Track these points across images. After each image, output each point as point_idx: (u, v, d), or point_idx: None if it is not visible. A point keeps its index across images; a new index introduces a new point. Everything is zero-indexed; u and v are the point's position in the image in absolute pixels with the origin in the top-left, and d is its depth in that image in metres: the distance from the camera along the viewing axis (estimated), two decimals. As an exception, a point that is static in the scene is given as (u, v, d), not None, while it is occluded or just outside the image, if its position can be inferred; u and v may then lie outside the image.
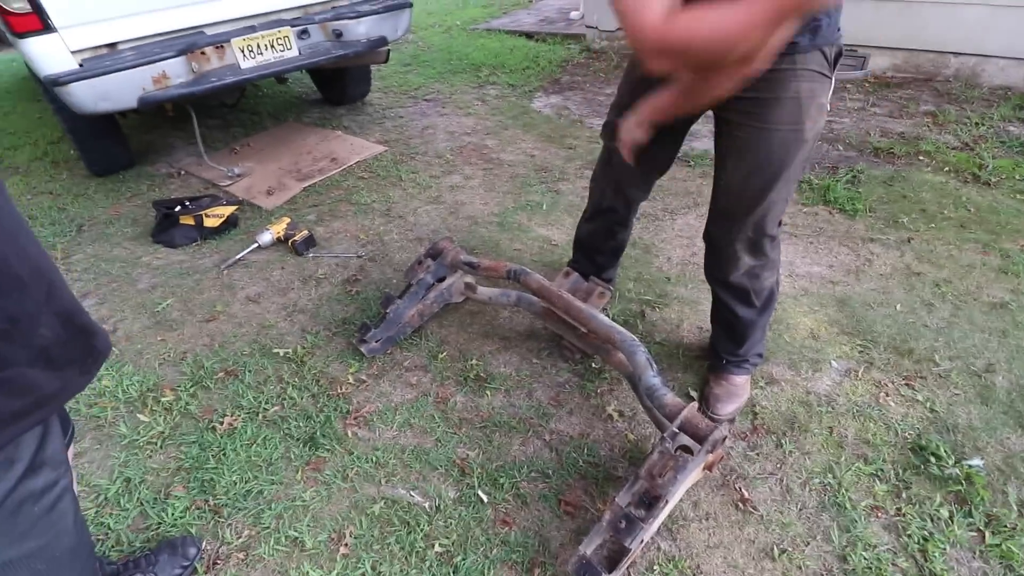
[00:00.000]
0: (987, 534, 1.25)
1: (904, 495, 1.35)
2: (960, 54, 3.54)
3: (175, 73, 2.37)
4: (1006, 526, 1.26)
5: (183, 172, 3.18)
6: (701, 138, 3.15)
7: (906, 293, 1.97)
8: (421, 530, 1.32)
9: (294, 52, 2.67)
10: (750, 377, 1.62)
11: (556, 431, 1.56)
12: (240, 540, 1.33)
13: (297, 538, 1.33)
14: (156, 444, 1.59)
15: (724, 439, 1.20)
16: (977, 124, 3.06)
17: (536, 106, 3.74)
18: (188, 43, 2.38)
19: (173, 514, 1.39)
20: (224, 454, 1.55)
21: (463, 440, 1.54)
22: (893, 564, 1.21)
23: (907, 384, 1.63)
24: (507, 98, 3.87)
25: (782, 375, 1.68)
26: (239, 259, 2.37)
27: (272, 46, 2.60)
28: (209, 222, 2.53)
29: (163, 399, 1.73)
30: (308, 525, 1.36)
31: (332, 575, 1.25)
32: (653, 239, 2.33)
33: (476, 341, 1.88)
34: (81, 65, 2.21)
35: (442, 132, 3.43)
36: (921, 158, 2.82)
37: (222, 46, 2.47)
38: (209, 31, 2.48)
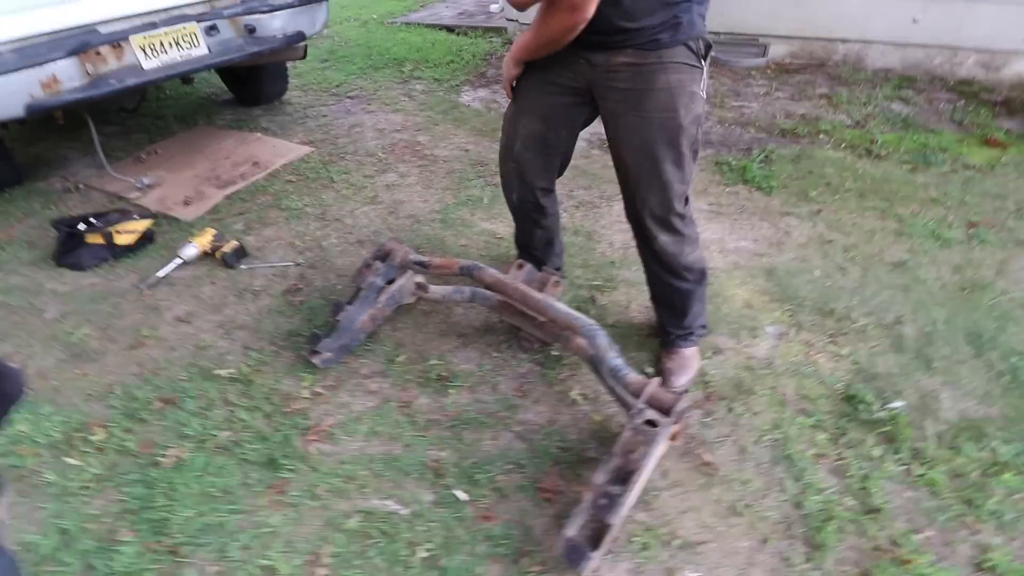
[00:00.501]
0: (913, 466, 1.42)
1: (842, 441, 1.50)
2: (847, 40, 3.91)
3: (67, 76, 2.12)
4: (928, 457, 1.44)
5: (82, 186, 2.87)
6: (627, 126, 3.28)
7: (822, 260, 2.17)
8: (402, 538, 1.30)
9: (203, 50, 2.48)
10: (698, 348, 1.72)
11: (524, 421, 1.58)
12: (206, 577, 1.25)
13: (270, 566, 1.26)
14: (92, 488, 1.45)
15: (688, 409, 1.27)
16: (865, 104, 3.41)
17: (464, 100, 3.72)
18: (80, 42, 2.14)
19: (124, 561, 1.27)
20: (174, 489, 1.43)
21: (433, 442, 1.53)
22: (840, 504, 1.35)
23: (832, 342, 1.80)
24: (434, 93, 3.82)
25: (725, 344, 1.80)
26: (161, 277, 2.18)
27: (177, 44, 2.40)
28: (121, 239, 2.31)
29: (93, 438, 1.57)
30: (280, 551, 1.29)
31: (313, 597, 1.21)
32: (594, 226, 2.40)
33: (433, 341, 1.85)
34: (-53, 71, 1.93)
35: (371, 130, 3.32)
36: (821, 136, 3.10)
37: (120, 45, 2.25)
38: (104, 28, 2.24)
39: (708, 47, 1.29)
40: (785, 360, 1.74)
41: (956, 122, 3.20)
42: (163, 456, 1.51)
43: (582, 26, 1.16)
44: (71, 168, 3.07)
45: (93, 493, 1.44)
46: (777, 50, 4.14)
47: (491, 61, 4.39)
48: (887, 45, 3.83)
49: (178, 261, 2.23)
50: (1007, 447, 1.46)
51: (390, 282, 1.81)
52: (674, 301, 1.63)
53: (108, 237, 2.28)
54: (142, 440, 1.57)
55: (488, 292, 1.75)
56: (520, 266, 1.77)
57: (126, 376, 1.77)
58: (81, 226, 2.29)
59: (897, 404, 1.57)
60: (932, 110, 3.35)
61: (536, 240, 1.85)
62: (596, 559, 1.16)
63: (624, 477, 1.23)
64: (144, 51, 2.31)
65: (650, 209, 1.44)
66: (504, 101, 3.70)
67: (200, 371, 1.78)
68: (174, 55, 2.40)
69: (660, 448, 1.26)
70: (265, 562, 1.27)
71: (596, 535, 1.20)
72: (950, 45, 3.67)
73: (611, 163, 1.51)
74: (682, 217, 1.46)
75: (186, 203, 2.66)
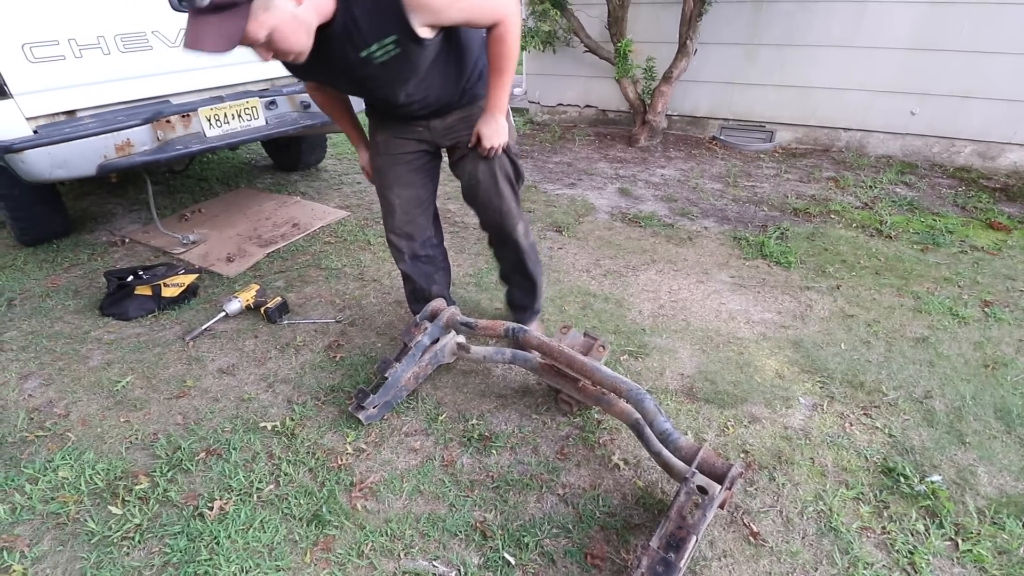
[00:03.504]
0: (959, 541, 1.42)
1: (885, 514, 1.50)
2: (849, 129, 4.21)
3: (139, 141, 2.30)
4: (972, 532, 1.44)
5: (127, 240, 3.00)
6: (646, 201, 3.47)
7: (846, 333, 2.24)
8: (452, 601, 1.29)
9: (261, 122, 2.69)
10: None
11: (568, 484, 1.59)
12: (252, 636, 1.23)
13: (319, 626, 1.24)
14: (134, 539, 1.44)
15: (741, 475, 1.30)
16: (871, 187, 3.61)
17: (491, 171, 3.93)
18: (154, 111, 2.34)
19: (169, 616, 1.25)
20: (217, 543, 1.42)
21: (478, 502, 1.53)
22: (891, 580, 1.34)
23: (865, 414, 1.84)
24: (462, 164, 4.05)
25: (761, 413, 1.84)
26: (205, 329, 2.25)
27: (239, 115, 2.61)
28: (167, 292, 2.40)
29: (136, 487, 1.58)
30: (328, 610, 1.27)
31: (363, 662, 1.18)
32: (623, 294, 2.49)
33: (473, 400, 1.89)
34: (36, 132, 2.10)
35: (403, 196, 3.50)
36: (832, 216, 3.27)
37: (188, 115, 2.45)
38: (176, 100, 2.45)
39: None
40: (821, 431, 1.77)
41: (959, 206, 3.38)
42: (207, 508, 1.51)
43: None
44: (116, 223, 3.22)
45: (134, 544, 1.43)
46: (783, 136, 4.43)
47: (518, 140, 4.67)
48: (886, 134, 4.11)
49: (222, 314, 2.31)
50: (1050, 525, 1.47)
51: (434, 341, 1.88)
52: (525, 285, 2.02)
53: (156, 289, 2.37)
54: (186, 491, 1.57)
55: (528, 354, 1.81)
56: (564, 330, 1.84)
57: (170, 425, 1.80)
58: (130, 278, 2.39)
59: (936, 478, 1.59)
60: (935, 194, 3.55)
61: (437, 285, 2.02)
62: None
63: (678, 544, 1.23)
64: (209, 121, 2.51)
65: (493, 216, 1.79)
66: (527, 174, 3.93)
67: (244, 423, 1.80)
68: (235, 125, 2.60)
69: (711, 514, 1.28)
70: (313, 623, 1.25)
71: (653, 603, 1.19)
72: (947, 136, 3.95)
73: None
74: (519, 219, 1.83)
75: (229, 260, 2.78)
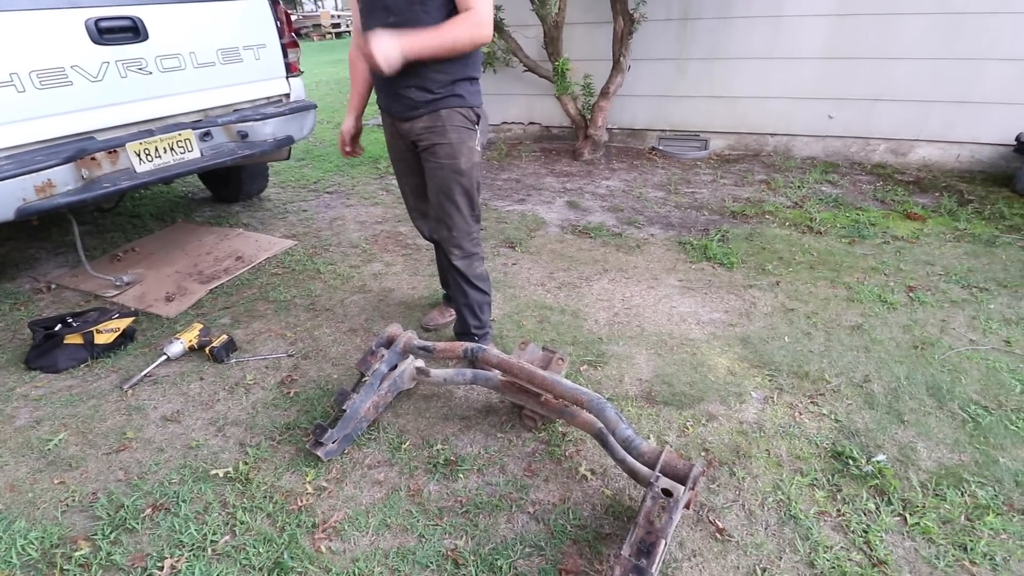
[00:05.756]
0: (907, 516, 1.50)
1: (839, 496, 1.57)
2: (775, 134, 4.48)
3: (62, 181, 2.17)
4: (918, 506, 1.53)
5: (54, 286, 2.81)
6: (594, 212, 3.55)
7: (788, 326, 2.36)
8: (428, 635, 1.25)
9: (196, 154, 2.59)
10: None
11: (537, 501, 1.58)
12: None
13: None
14: (75, 612, 1.33)
15: (703, 474, 1.33)
16: (799, 187, 3.84)
17: (439, 192, 3.93)
18: (77, 149, 2.21)
19: None
20: (171, 604, 1.33)
21: (448, 530, 1.50)
22: (849, 559, 1.40)
23: (812, 402, 1.93)
24: (410, 186, 4.03)
25: (717, 411, 1.90)
26: (145, 375, 2.13)
27: (172, 149, 2.51)
28: (101, 338, 2.25)
29: (76, 554, 1.46)
30: (297, 662, 1.21)
31: None
32: (578, 305, 2.53)
33: (436, 425, 1.86)
34: (-59, 178, 1.95)
35: (352, 222, 3.45)
36: (767, 216, 3.45)
37: (115, 151, 2.33)
38: (101, 136, 2.33)
39: (479, 117, 1.78)
40: (773, 423, 1.84)
41: (879, 200, 3.64)
42: (157, 568, 1.41)
43: (483, 44, 1.61)
44: (40, 268, 3.01)
45: (76, 618, 1.32)
46: (717, 143, 4.66)
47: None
48: (809, 137, 4.40)
49: (163, 358, 2.19)
50: (983, 490, 1.58)
51: (393, 368, 1.84)
52: (473, 307, 2.06)
53: (88, 337, 2.22)
54: (132, 552, 1.46)
55: (490, 373, 1.81)
56: (523, 346, 1.84)
57: (111, 483, 1.68)
58: (58, 326, 2.23)
59: (880, 457, 1.68)
60: (857, 190, 3.81)
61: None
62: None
63: (648, 549, 1.25)
64: (139, 156, 2.40)
65: (444, 231, 1.89)
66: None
67: (193, 472, 1.70)
68: (168, 159, 2.50)
69: (678, 515, 1.30)
70: (281, 678, 1.18)
71: (629, 612, 1.19)
72: (862, 136, 4.26)
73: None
74: (471, 236, 1.92)
75: (168, 299, 2.64)
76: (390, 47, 1.48)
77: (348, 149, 2.03)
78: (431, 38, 1.54)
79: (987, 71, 3.77)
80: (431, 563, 1.42)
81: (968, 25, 3.71)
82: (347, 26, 19.40)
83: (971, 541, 1.44)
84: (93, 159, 2.27)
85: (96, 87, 2.29)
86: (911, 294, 2.55)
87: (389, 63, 1.49)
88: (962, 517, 1.50)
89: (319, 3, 24.11)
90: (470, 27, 1.55)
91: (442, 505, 1.57)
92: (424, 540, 1.48)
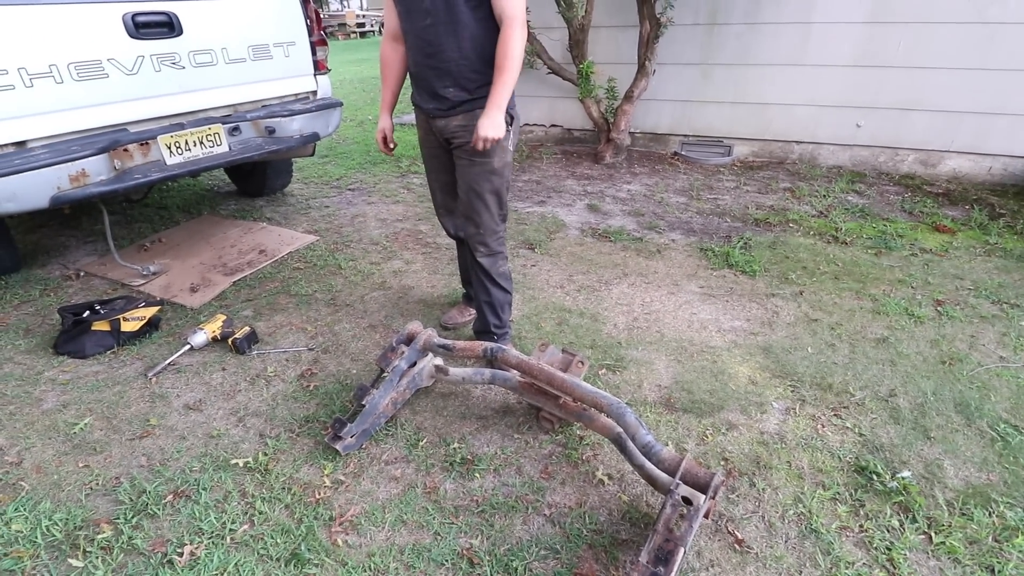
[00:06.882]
0: (932, 535, 1.47)
1: (862, 512, 1.54)
2: (801, 142, 4.41)
3: (95, 171, 2.22)
4: (944, 525, 1.49)
5: (83, 273, 2.87)
6: (615, 216, 3.54)
7: (811, 337, 2.32)
8: (442, 632, 1.25)
9: (224, 148, 2.64)
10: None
11: (554, 504, 1.57)
12: None
13: (303, 671, 1.18)
14: (97, 593, 1.35)
15: (723, 483, 1.31)
16: (824, 196, 3.78)
17: (460, 192, 3.95)
18: (110, 140, 2.27)
19: (140, 674, 1.17)
20: (190, 590, 1.35)
21: (463, 529, 1.50)
22: (872, 577, 1.37)
23: (835, 415, 1.90)
24: (430, 185, 4.05)
25: (737, 420, 1.87)
26: (169, 364, 2.16)
27: (201, 142, 2.55)
28: (127, 326, 2.30)
29: (98, 536, 1.48)
30: (312, 653, 1.21)
31: None
32: (597, 308, 2.52)
33: (454, 424, 1.87)
34: (-18, 165, 2.00)
35: (373, 220, 3.48)
36: (791, 225, 3.40)
37: (147, 143, 2.38)
38: (134, 128, 2.38)
39: (513, 117, 1.78)
40: (795, 434, 1.81)
41: (907, 211, 3.57)
42: (177, 554, 1.44)
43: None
44: (70, 255, 3.08)
45: (99, 599, 1.34)
46: (741, 150, 4.61)
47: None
48: (835, 146, 4.33)
49: (186, 347, 2.22)
50: (1012, 512, 1.53)
51: (412, 365, 1.85)
52: (495, 306, 2.07)
53: (115, 324, 2.27)
54: (153, 537, 1.49)
55: (508, 373, 1.81)
56: (543, 347, 1.84)
57: (133, 468, 1.71)
58: (86, 313, 2.28)
59: (905, 473, 1.64)
60: (884, 201, 3.74)
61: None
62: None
63: (666, 557, 1.24)
64: (169, 148, 2.45)
65: (472, 229, 1.92)
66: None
67: (213, 461, 1.73)
68: (197, 152, 2.54)
69: (697, 523, 1.29)
70: (297, 668, 1.19)
71: (645, 619, 1.18)
72: (891, 145, 4.18)
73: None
74: (496, 235, 1.95)
75: (192, 290, 2.69)
76: (498, 125, 1.64)
77: (392, 146, 2.06)
78: (504, 82, 1.63)
79: (1023, 83, 3.68)
80: (446, 561, 1.42)
81: (1004, 35, 3.61)
82: (371, 26, 19.59)
83: (999, 563, 1.40)
84: (126, 150, 2.32)
85: (131, 80, 2.34)
86: (939, 308, 2.49)
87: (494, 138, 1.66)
88: (989, 538, 1.46)
89: (345, 2, 24.40)
90: (519, 40, 1.61)
91: (458, 504, 1.58)
92: (440, 538, 1.48)
